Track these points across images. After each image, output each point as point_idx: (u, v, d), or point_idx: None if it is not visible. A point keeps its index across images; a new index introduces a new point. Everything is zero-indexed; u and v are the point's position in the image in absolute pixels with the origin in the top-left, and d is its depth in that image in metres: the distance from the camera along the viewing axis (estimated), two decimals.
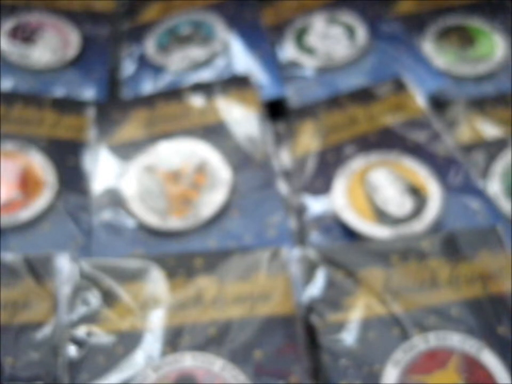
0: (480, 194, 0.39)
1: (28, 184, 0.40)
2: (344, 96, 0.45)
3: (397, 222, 0.38)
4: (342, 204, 0.39)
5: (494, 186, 0.39)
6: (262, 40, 0.52)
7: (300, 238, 0.38)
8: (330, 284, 0.34)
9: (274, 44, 0.52)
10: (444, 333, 0.31)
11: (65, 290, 0.34)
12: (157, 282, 0.34)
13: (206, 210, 0.39)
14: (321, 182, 0.41)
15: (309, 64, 0.49)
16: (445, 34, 0.51)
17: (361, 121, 0.44)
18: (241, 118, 0.44)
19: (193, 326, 0.32)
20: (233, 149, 0.42)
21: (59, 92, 0.48)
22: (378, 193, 0.39)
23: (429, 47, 0.50)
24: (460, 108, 0.44)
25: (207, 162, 0.41)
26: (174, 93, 0.46)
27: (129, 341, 0.32)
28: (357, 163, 0.41)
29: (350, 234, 0.38)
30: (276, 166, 0.41)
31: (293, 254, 0.35)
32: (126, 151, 0.42)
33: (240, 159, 0.41)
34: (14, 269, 0.34)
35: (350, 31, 0.51)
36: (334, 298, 0.33)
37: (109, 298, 0.33)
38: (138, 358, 0.31)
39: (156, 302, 0.33)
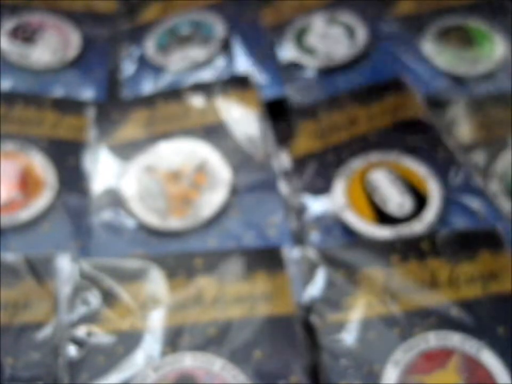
0: (480, 194, 0.39)
1: (27, 184, 0.40)
2: (344, 96, 0.45)
3: (397, 222, 0.38)
4: (342, 203, 0.39)
5: (494, 186, 0.39)
6: (262, 40, 0.52)
7: (300, 238, 0.38)
8: (330, 284, 0.34)
9: (274, 44, 0.52)
10: (444, 333, 0.31)
11: (65, 290, 0.34)
12: (157, 282, 0.34)
13: (206, 210, 0.39)
14: (321, 182, 0.41)
15: (309, 64, 0.49)
16: (445, 34, 0.51)
17: (361, 121, 0.44)
18: (241, 118, 0.44)
19: (193, 326, 0.32)
20: (233, 149, 0.42)
21: (59, 92, 0.48)
22: (378, 193, 0.39)
23: (429, 47, 0.50)
24: (460, 108, 0.44)
25: (207, 162, 0.41)
26: (174, 93, 0.46)
27: (129, 341, 0.32)
28: (357, 163, 0.41)
29: (350, 234, 0.38)
30: (276, 166, 0.41)
31: (293, 254, 0.35)
32: (126, 151, 0.42)
33: (240, 159, 0.41)
34: (15, 269, 0.34)
35: (350, 31, 0.51)
36: (334, 298, 0.33)
37: (109, 298, 0.33)
38: (138, 358, 0.31)
39: (156, 302, 0.33)
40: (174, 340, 0.31)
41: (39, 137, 0.43)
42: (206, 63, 0.50)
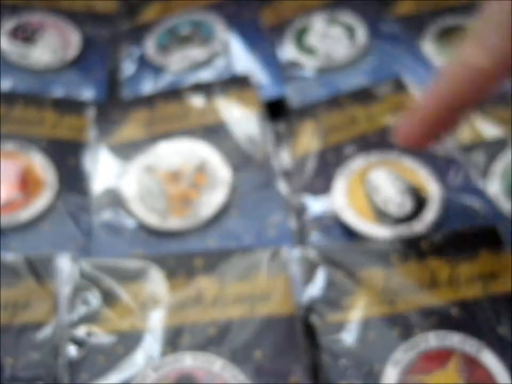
0: (480, 194, 0.39)
1: (28, 184, 0.40)
2: (344, 96, 0.45)
3: (397, 222, 0.38)
4: (342, 203, 0.39)
5: (494, 186, 0.39)
6: (262, 40, 0.52)
7: (300, 238, 0.38)
8: (330, 284, 0.34)
9: (274, 44, 0.52)
10: (444, 333, 0.31)
11: (65, 290, 0.34)
12: (156, 282, 0.34)
13: (206, 210, 0.39)
14: (321, 182, 0.41)
15: (309, 64, 0.49)
16: (445, 34, 0.51)
17: (361, 121, 0.44)
18: (241, 118, 0.44)
19: (193, 326, 0.32)
20: (233, 149, 0.42)
21: (59, 92, 0.48)
22: (378, 193, 0.39)
23: (429, 47, 0.50)
24: None
25: (207, 162, 0.41)
26: (174, 93, 0.46)
27: (129, 341, 0.32)
28: (357, 163, 0.41)
29: (350, 234, 0.38)
30: (276, 166, 0.41)
31: (293, 254, 0.35)
32: (126, 151, 0.42)
33: (240, 159, 0.41)
34: (15, 269, 0.34)
35: (350, 31, 0.51)
36: (334, 298, 0.33)
37: (109, 298, 0.33)
38: (138, 358, 0.31)
39: (156, 302, 0.33)
40: (174, 340, 0.31)
41: (39, 137, 0.43)
42: (206, 63, 0.50)
